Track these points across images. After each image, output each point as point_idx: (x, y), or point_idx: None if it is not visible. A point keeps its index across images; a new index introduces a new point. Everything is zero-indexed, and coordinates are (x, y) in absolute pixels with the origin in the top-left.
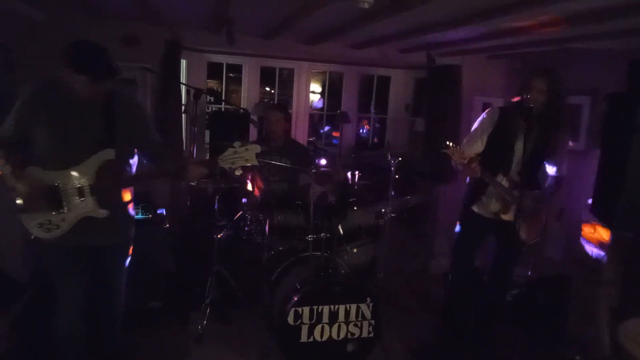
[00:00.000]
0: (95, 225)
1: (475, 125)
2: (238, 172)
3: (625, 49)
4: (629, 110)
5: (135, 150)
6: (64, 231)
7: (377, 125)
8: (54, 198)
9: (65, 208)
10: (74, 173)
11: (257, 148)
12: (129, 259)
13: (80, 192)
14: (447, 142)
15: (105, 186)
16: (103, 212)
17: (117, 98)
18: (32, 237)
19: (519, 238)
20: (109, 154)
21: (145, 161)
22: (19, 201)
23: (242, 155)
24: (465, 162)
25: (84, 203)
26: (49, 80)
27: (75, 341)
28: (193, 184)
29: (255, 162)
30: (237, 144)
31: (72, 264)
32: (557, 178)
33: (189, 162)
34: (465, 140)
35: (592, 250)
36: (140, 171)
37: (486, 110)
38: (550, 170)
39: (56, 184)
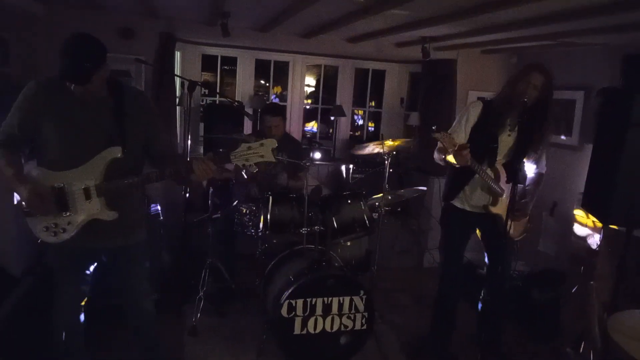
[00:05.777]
0: (106, 228)
1: (459, 117)
2: (253, 169)
3: (619, 43)
4: (622, 105)
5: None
6: (71, 234)
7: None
8: (59, 200)
9: (71, 210)
10: (79, 173)
11: (274, 143)
12: (147, 261)
13: (87, 193)
14: (436, 127)
15: (114, 186)
16: (111, 214)
17: (127, 93)
18: (39, 241)
19: (507, 233)
20: (116, 151)
21: (149, 162)
22: (23, 204)
23: (257, 151)
24: (456, 148)
25: (91, 205)
26: (56, 77)
27: (75, 337)
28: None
29: (272, 159)
30: (250, 138)
31: (78, 267)
32: (538, 175)
33: (198, 158)
34: (449, 131)
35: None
36: (151, 171)
37: (469, 103)
38: (530, 167)
39: (61, 185)
